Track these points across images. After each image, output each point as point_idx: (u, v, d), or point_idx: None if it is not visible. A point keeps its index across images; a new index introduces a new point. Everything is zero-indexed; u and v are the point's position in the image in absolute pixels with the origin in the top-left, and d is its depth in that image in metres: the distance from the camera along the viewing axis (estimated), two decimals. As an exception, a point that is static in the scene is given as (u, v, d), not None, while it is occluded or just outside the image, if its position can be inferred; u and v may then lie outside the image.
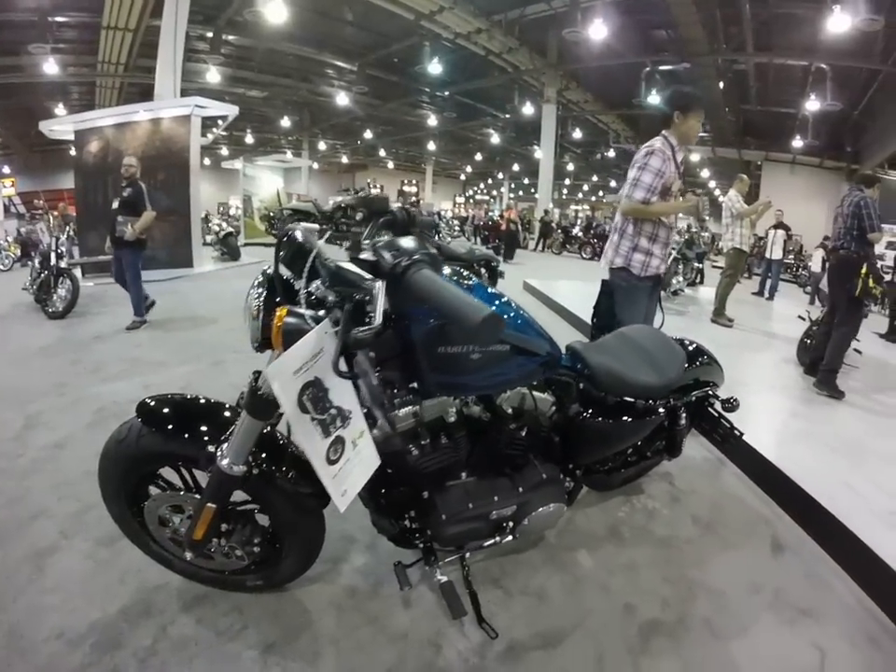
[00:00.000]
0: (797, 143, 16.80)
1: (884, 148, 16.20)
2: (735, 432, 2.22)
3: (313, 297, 1.20)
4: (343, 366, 1.10)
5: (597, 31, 10.59)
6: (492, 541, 1.57)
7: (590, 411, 1.70)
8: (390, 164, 33.71)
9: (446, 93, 18.60)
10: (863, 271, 3.73)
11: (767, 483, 2.56)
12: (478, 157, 29.58)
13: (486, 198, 40.06)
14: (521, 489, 1.53)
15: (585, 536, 2.09)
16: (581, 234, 16.97)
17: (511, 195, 38.15)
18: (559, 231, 17.15)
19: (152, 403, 1.40)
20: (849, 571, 2.00)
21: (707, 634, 1.67)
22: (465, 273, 1.41)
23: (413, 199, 25.74)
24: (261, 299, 1.31)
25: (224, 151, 26.28)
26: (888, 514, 2.22)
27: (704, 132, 20.09)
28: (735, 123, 18.20)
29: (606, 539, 2.09)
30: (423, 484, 1.41)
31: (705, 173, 26.54)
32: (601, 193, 36.57)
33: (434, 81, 16.64)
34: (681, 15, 10.89)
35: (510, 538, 1.58)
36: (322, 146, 27.66)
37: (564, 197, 37.89)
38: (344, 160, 31.71)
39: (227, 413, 1.42)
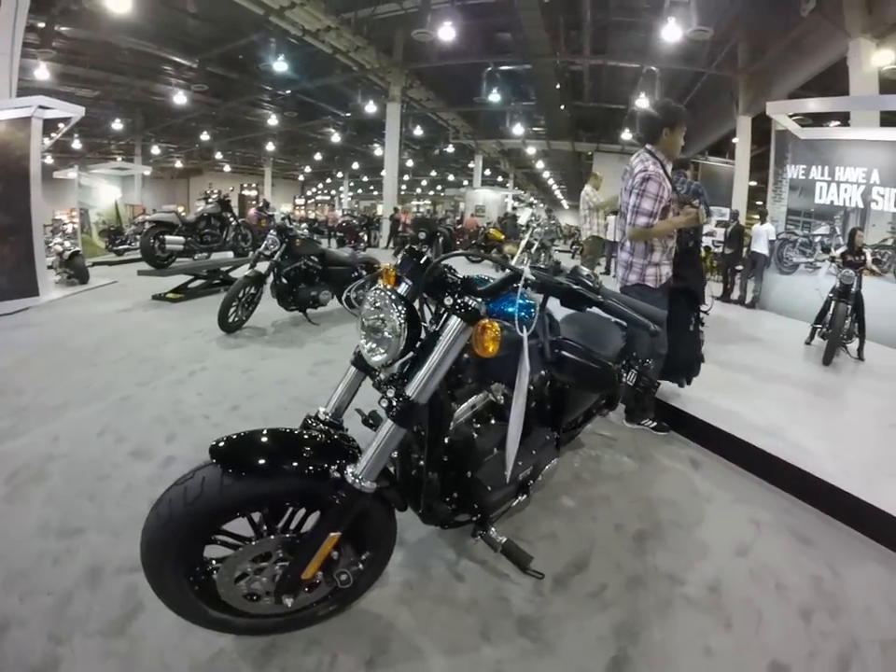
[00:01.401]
0: (626, 135, 19.53)
1: (705, 139, 19.83)
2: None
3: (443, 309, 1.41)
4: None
5: (447, 33, 11.23)
6: (518, 500, 1.87)
7: (571, 381, 2.07)
8: (227, 167, 32.35)
9: (288, 92, 18.40)
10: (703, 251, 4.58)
11: (669, 418, 3.34)
12: (317, 156, 29.67)
13: (327, 198, 40.33)
14: (534, 452, 1.83)
15: (559, 485, 2.56)
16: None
17: (351, 194, 38.55)
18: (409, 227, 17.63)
19: (229, 445, 1.27)
20: (747, 468, 2.89)
21: (677, 529, 2.33)
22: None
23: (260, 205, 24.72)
24: (402, 316, 1.31)
25: (48, 160, 22.76)
26: (766, 426, 3.17)
27: (539, 126, 22.56)
28: (570, 118, 20.44)
29: (575, 484, 2.59)
30: (469, 465, 1.59)
31: (539, 164, 29.41)
32: (440, 187, 38.38)
33: (277, 79, 16.37)
34: (529, 19, 12.07)
35: (527, 494, 1.89)
36: (156, 150, 25.49)
37: (402, 193, 39.28)
38: (178, 164, 29.41)
39: (320, 436, 1.38)
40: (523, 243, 6.75)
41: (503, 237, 12.59)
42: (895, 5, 8.42)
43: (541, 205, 28.80)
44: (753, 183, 14.95)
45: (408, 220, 16.34)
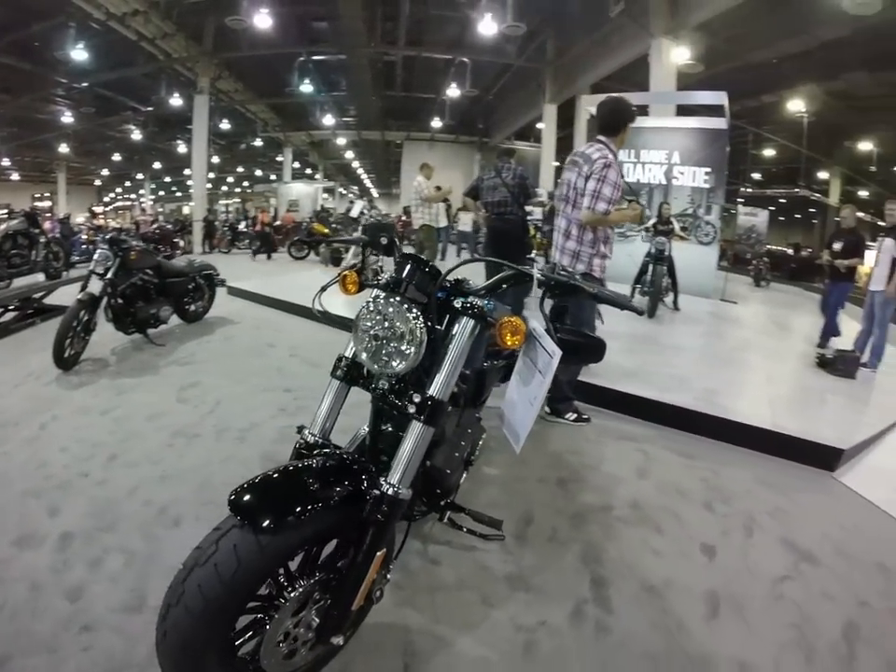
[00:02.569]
0: (436, 123, 20.62)
1: (511, 125, 21.78)
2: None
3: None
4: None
5: (262, 20, 10.80)
6: (466, 475, 2.03)
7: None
8: (15, 175, 27.88)
9: (85, 84, 16.12)
10: (531, 229, 5.16)
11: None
12: (116, 157, 26.95)
13: (128, 203, 36.70)
14: (469, 430, 1.91)
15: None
16: (249, 229, 16.82)
17: (153, 197, 35.42)
18: (226, 228, 16.63)
19: (253, 497, 1.14)
20: (620, 410, 3.51)
21: (588, 469, 2.83)
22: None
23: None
24: (422, 323, 1.30)
25: None
26: (624, 373, 3.85)
27: (349, 116, 22.77)
28: (381, 108, 21.00)
29: (491, 454, 2.79)
30: (429, 453, 1.55)
31: (349, 154, 29.75)
32: (247, 184, 36.77)
33: (74, 69, 14.11)
34: (347, 9, 12.05)
35: (467, 471, 2.06)
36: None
37: (208, 191, 36.76)
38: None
39: (332, 461, 1.30)
40: (356, 235, 6.92)
41: (327, 231, 12.57)
42: (696, 11, 10.11)
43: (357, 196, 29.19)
44: (556, 163, 16.95)
45: (265, 220, 15.44)
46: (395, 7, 12.90)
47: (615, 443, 3.08)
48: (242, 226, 17.28)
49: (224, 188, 37.91)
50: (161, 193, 36.57)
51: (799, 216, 27.37)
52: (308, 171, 32.98)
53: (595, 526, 2.29)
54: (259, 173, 34.19)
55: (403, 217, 19.75)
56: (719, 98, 8.24)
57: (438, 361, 1.31)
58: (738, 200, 18.88)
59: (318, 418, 1.48)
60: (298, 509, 1.11)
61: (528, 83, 16.96)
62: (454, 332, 1.31)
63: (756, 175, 24.38)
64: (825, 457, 3.05)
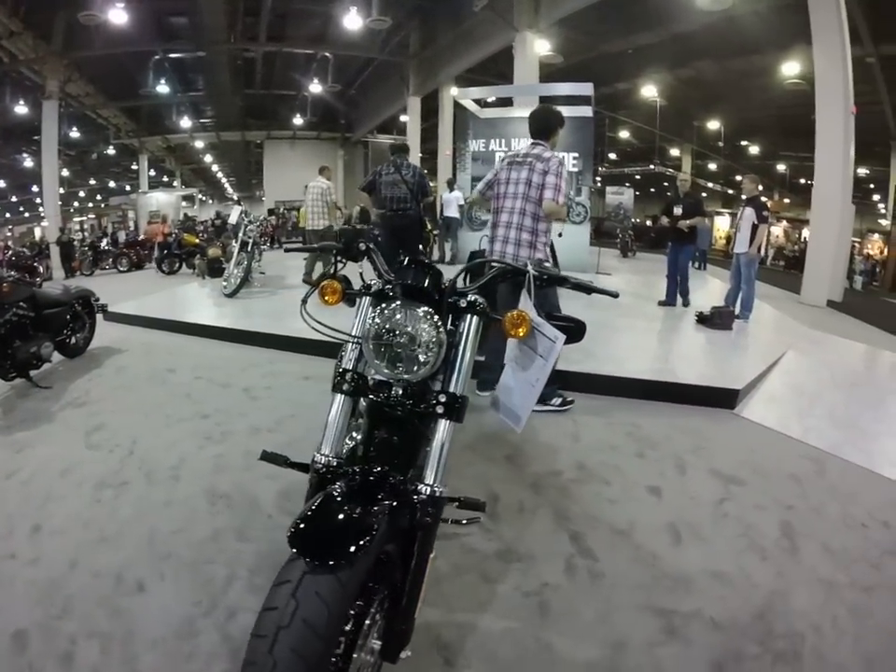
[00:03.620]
0: (297, 120, 20.25)
1: (373, 119, 21.82)
2: None
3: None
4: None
5: (118, 16, 9.98)
6: None
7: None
8: None
9: None
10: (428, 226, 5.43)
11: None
12: None
13: None
14: None
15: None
16: (110, 247, 15.58)
17: None
18: (87, 248, 15.19)
19: (316, 536, 1.08)
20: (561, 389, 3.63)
21: (527, 443, 2.97)
22: None
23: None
24: (441, 327, 1.30)
25: None
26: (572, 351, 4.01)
27: (207, 117, 21.67)
28: (241, 107, 20.19)
29: None
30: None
31: (208, 158, 28.54)
32: (99, 197, 33.48)
33: None
34: (208, 3, 11.39)
35: None
36: None
37: (60, 208, 32.92)
38: None
39: (367, 476, 1.27)
40: (237, 242, 6.73)
41: (197, 241, 11.96)
42: (559, 6, 10.79)
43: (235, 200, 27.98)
44: (419, 154, 17.57)
45: (166, 230, 14.23)
46: (257, 2, 12.44)
47: (544, 416, 3.24)
48: (104, 243, 15.77)
49: (76, 203, 33.88)
50: (8, 215, 31.66)
51: (653, 190, 30.30)
52: (165, 178, 30.82)
53: (553, 491, 2.49)
54: (113, 184, 31.14)
55: (271, 220, 19.17)
56: (585, 89, 8.97)
57: (450, 359, 1.33)
58: (596, 178, 20.56)
59: (330, 438, 1.36)
60: (363, 534, 1.07)
61: (391, 76, 17.23)
62: (461, 331, 1.35)
63: (612, 156, 26.68)
64: (725, 398, 3.60)
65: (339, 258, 1.55)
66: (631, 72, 15.84)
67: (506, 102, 10.31)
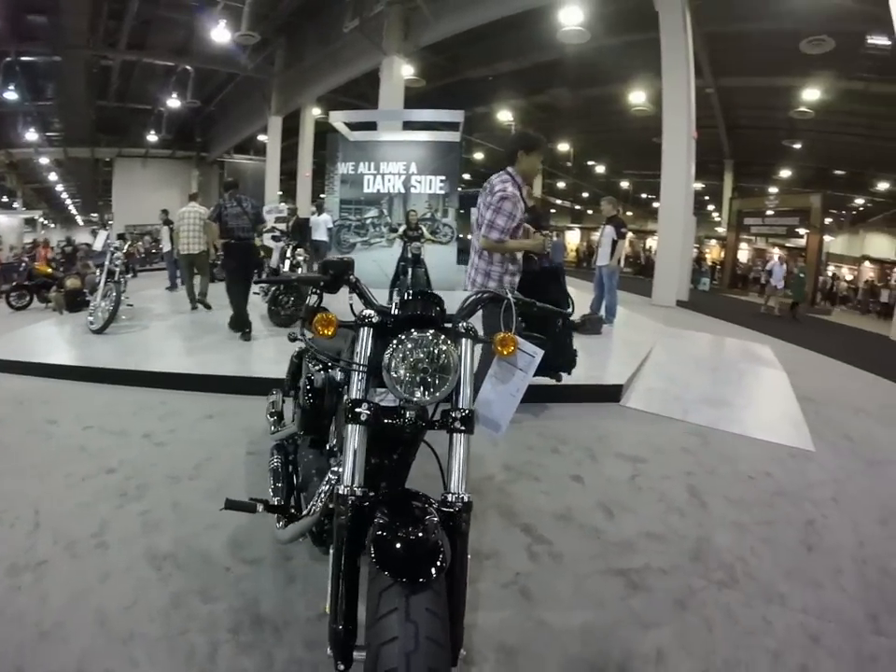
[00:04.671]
0: (152, 137, 18.90)
1: (231, 138, 21.00)
2: None
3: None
4: None
5: None
6: None
7: None
8: None
9: None
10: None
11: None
12: None
13: None
14: None
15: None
16: None
17: None
18: None
19: (404, 556, 1.11)
20: None
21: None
22: None
23: None
24: (457, 350, 1.39)
25: None
26: None
27: (55, 130, 19.41)
28: (91, 121, 18.40)
29: None
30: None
31: (53, 176, 25.76)
32: None
33: None
34: (71, 2, 10.21)
35: None
36: None
37: None
38: None
39: (402, 496, 1.33)
40: (103, 270, 6.25)
41: (50, 270, 10.73)
42: (427, 33, 11.20)
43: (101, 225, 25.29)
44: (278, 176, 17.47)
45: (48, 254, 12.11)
46: (121, 4, 11.44)
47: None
48: None
49: None
50: None
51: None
52: (5, 198, 27.23)
53: (493, 493, 2.64)
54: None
55: (125, 245, 17.66)
56: (456, 116, 9.52)
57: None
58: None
59: (354, 470, 1.31)
60: (438, 548, 1.13)
61: (253, 94, 16.83)
62: (460, 353, 1.41)
63: (466, 176, 28.28)
64: (612, 393, 4.12)
65: (313, 291, 1.56)
66: (490, 97, 17.01)
67: (369, 125, 10.57)
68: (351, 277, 1.49)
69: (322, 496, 1.54)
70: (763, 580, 2.01)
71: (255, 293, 6.84)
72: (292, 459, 2.14)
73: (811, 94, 13.38)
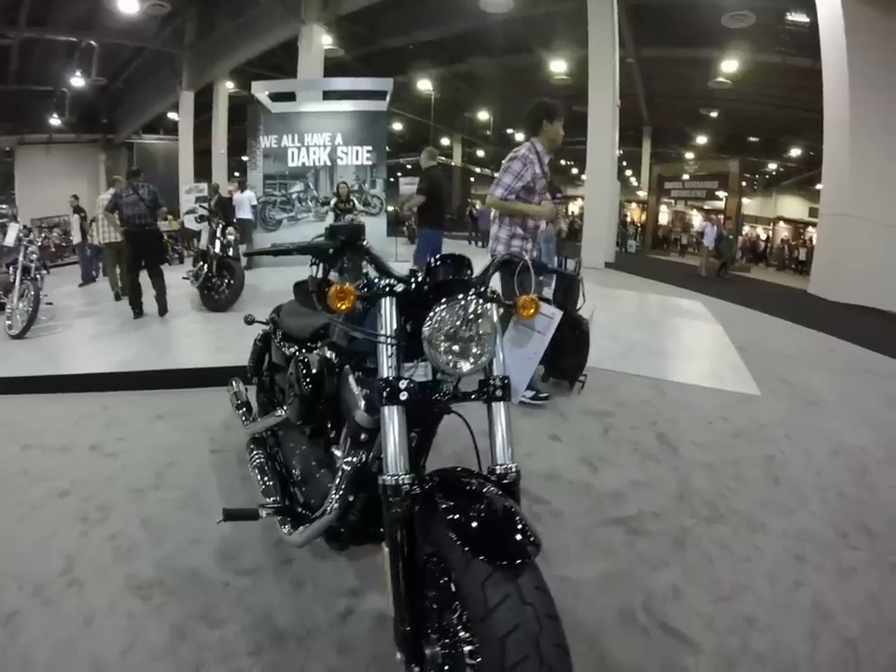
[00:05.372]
0: (55, 121, 17.25)
1: (140, 117, 19.51)
2: None
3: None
4: None
5: None
6: None
7: None
8: None
9: None
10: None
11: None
12: None
13: None
14: None
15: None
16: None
17: None
18: None
19: (498, 540, 1.04)
20: None
21: None
22: None
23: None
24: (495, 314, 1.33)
25: None
26: None
27: None
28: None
29: None
30: None
31: None
32: None
33: None
34: None
35: None
36: None
37: None
38: None
39: (459, 470, 1.26)
40: (18, 268, 5.74)
41: None
42: (348, 1, 10.67)
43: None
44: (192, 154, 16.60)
45: None
46: None
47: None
48: None
49: None
50: None
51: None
52: None
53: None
54: None
55: (37, 238, 16.19)
56: (384, 84, 9.31)
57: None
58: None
59: (399, 456, 1.21)
60: (518, 522, 1.08)
61: (162, 69, 15.67)
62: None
63: (386, 148, 27.88)
64: None
65: (316, 261, 1.40)
66: (409, 66, 16.70)
67: (288, 96, 10.10)
68: (364, 243, 1.37)
69: (340, 489, 1.41)
70: (744, 512, 2.17)
71: (184, 278, 6.50)
72: (276, 452, 2.02)
73: (730, 66, 14.07)
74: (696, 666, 1.44)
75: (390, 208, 10.79)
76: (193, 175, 15.89)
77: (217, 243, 5.81)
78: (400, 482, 1.16)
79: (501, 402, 1.30)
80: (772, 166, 23.90)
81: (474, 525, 1.05)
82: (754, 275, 15.46)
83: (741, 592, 1.71)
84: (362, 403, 1.38)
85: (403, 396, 1.21)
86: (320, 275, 1.41)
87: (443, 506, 1.10)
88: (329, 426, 1.67)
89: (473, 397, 1.31)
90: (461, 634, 1.10)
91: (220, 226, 5.90)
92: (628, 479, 2.41)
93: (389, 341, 1.23)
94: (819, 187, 19.81)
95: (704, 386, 3.73)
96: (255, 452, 2.00)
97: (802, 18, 11.26)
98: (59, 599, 1.73)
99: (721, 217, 16.38)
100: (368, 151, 9.53)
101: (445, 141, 26.84)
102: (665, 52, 14.48)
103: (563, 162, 28.44)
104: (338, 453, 1.59)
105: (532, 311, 1.43)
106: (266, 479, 1.84)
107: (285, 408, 1.87)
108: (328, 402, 1.57)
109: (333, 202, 7.69)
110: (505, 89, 18.79)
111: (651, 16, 12.62)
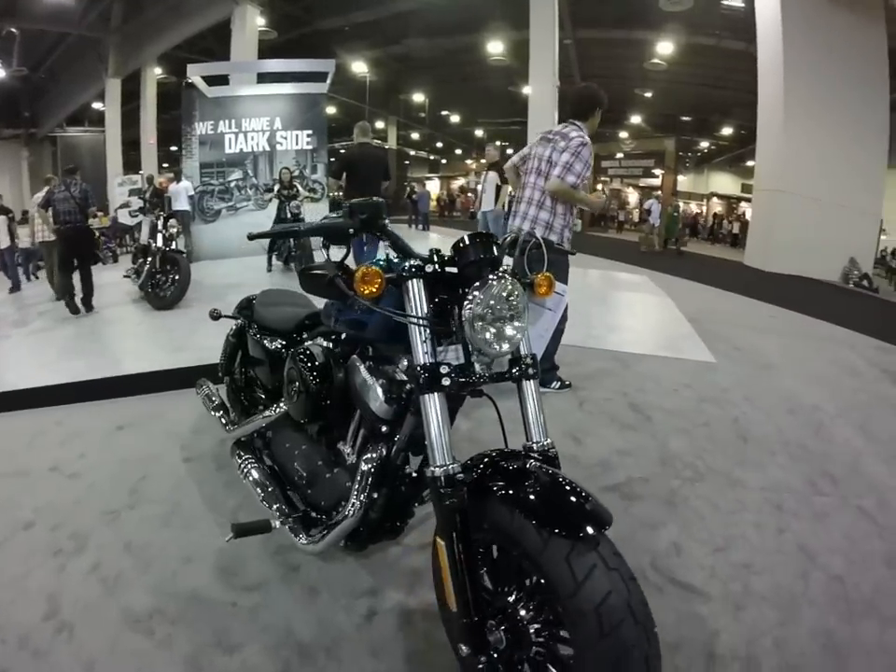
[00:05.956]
0: None
1: (63, 108, 18.20)
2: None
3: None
4: None
5: None
6: None
7: None
8: None
9: None
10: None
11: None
12: None
13: None
14: None
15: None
16: None
17: None
18: None
19: (574, 512, 1.04)
20: None
21: None
22: None
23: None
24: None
25: None
26: None
27: None
28: None
29: None
30: None
31: None
32: None
33: None
34: None
35: None
36: None
37: None
38: None
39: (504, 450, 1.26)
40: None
41: None
42: None
43: None
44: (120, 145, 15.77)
45: None
46: None
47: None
48: None
49: None
50: None
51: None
52: None
53: (463, 443, 2.50)
54: None
55: None
56: (326, 66, 9.10)
57: None
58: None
59: (445, 447, 1.17)
60: (580, 490, 1.07)
61: (87, 55, 14.69)
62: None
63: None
64: None
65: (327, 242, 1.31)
66: (344, 48, 16.31)
67: (221, 80, 9.66)
68: (385, 221, 1.30)
69: (363, 488, 1.36)
70: (722, 470, 2.33)
71: (125, 276, 6.18)
72: (269, 455, 1.91)
73: (665, 48, 14.48)
74: (710, 613, 1.54)
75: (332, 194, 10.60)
76: (122, 168, 15.06)
77: (160, 236, 5.54)
78: (451, 471, 1.13)
79: (531, 381, 1.30)
80: (704, 144, 24.91)
81: (541, 502, 1.05)
82: (691, 249, 16.17)
83: (734, 542, 1.84)
84: (381, 394, 1.33)
85: (445, 381, 1.17)
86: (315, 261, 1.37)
87: (501, 489, 1.09)
88: (326, 420, 1.60)
89: (507, 377, 1.30)
90: (522, 613, 1.12)
91: (162, 218, 5.65)
92: (612, 448, 2.52)
93: (423, 323, 1.19)
94: (749, 163, 21.00)
95: (664, 356, 3.93)
96: (244, 457, 1.87)
97: (737, 3, 11.76)
98: (50, 648, 1.51)
99: (661, 193, 17.03)
100: (308, 135, 9.28)
101: (380, 124, 26.53)
102: (602, 34, 14.77)
103: (498, 143, 28.71)
104: (346, 449, 1.54)
105: (547, 289, 1.42)
106: (266, 486, 1.73)
107: (277, 406, 1.79)
108: (336, 396, 1.48)
109: (277, 188, 7.49)
110: (441, 70, 18.71)
111: (587, -5, 12.82)
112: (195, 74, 8.72)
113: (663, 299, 6.08)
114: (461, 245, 1.28)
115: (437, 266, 1.26)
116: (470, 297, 1.18)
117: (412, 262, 1.23)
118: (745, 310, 6.07)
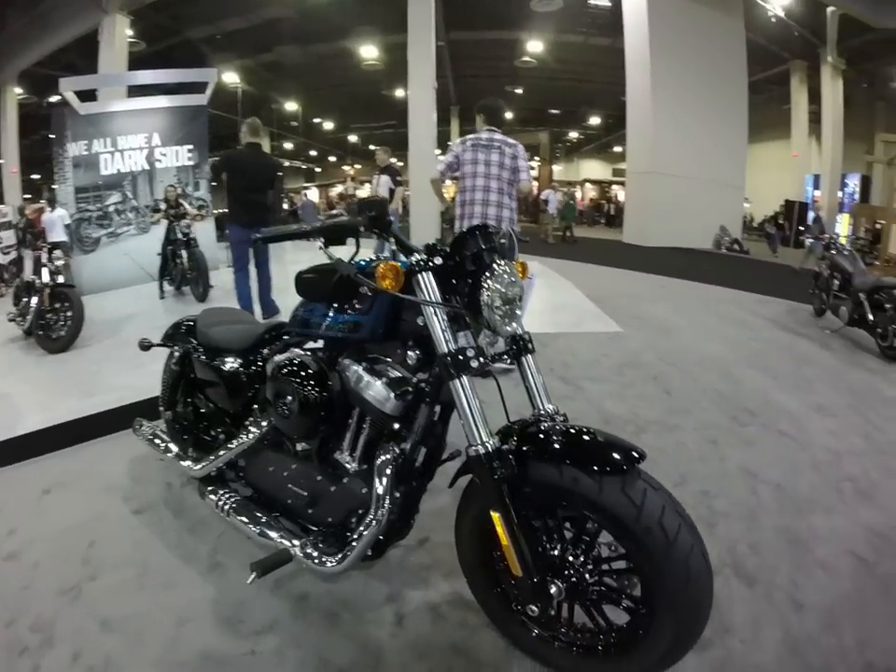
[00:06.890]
0: None
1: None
2: None
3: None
4: None
5: None
6: None
7: None
8: None
9: None
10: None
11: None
12: None
13: None
14: None
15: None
16: None
17: None
18: None
19: (613, 452, 1.12)
20: None
21: None
22: None
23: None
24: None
25: None
26: None
27: None
28: None
29: None
30: None
31: None
32: None
33: None
34: None
35: None
36: None
37: None
38: None
39: (536, 420, 1.32)
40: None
41: None
42: None
43: None
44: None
45: None
46: None
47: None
48: None
49: None
50: None
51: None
52: None
53: None
54: None
55: None
56: (207, 75, 8.62)
57: None
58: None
59: (481, 425, 1.21)
60: (608, 434, 1.20)
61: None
62: None
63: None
64: None
65: (324, 240, 1.34)
66: (214, 58, 15.53)
67: (90, 96, 8.97)
68: (390, 219, 1.33)
69: (385, 492, 1.33)
70: (658, 420, 2.61)
71: (9, 320, 5.41)
72: (248, 484, 1.79)
73: (535, 46, 15.19)
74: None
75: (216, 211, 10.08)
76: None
77: (45, 270, 5.01)
78: (493, 445, 1.20)
79: (530, 355, 1.41)
80: (573, 135, 26.54)
81: (584, 453, 1.15)
82: (575, 233, 17.26)
83: (688, 476, 2.09)
84: (388, 391, 1.34)
85: (474, 364, 1.23)
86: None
87: (544, 451, 1.18)
88: (326, 430, 1.52)
89: (505, 357, 1.40)
90: (581, 559, 1.23)
91: (46, 249, 5.11)
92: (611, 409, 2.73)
93: (460, 310, 1.30)
94: (617, 149, 22.55)
95: (576, 332, 4.20)
96: (221, 493, 1.72)
97: (604, 1, 12.59)
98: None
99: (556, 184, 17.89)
100: (189, 150, 8.66)
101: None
102: (473, 35, 15.26)
103: (371, 147, 28.75)
104: (345, 458, 1.50)
105: (522, 274, 1.50)
106: (258, 517, 1.60)
107: (248, 431, 1.71)
108: (335, 403, 1.44)
109: (164, 208, 7.04)
110: (313, 77, 18.39)
111: (460, 1, 13.18)
112: (68, 88, 7.86)
113: (562, 280, 6.46)
114: (463, 237, 1.34)
115: (445, 258, 1.32)
116: (486, 284, 1.27)
117: (419, 256, 1.28)
118: (635, 282, 6.65)
